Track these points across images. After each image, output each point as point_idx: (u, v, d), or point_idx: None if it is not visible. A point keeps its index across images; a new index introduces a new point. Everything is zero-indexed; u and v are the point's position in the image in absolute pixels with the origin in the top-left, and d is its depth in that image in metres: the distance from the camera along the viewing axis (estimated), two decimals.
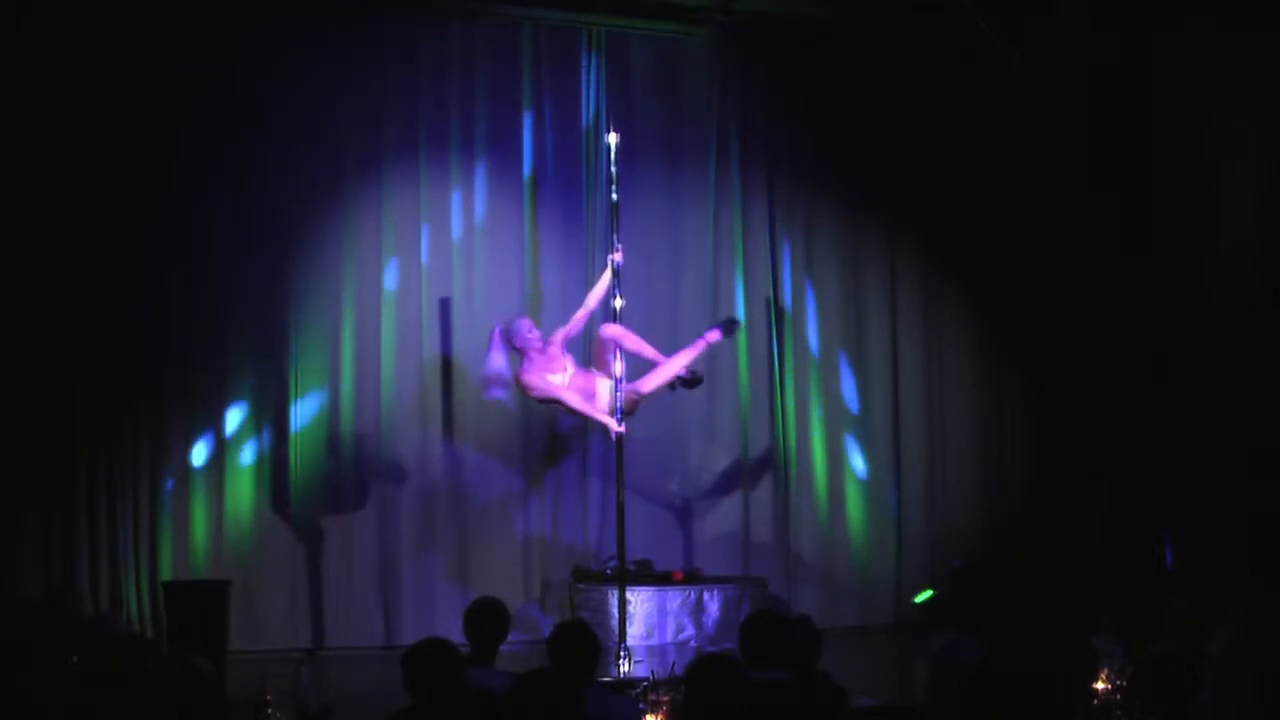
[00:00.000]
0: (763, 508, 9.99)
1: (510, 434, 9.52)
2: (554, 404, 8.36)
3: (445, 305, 9.41)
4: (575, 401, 8.20)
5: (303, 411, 9.06)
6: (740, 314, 10.05)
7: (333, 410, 9.13)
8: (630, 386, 8.25)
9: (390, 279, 9.31)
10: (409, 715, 4.11)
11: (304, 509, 9.01)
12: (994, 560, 9.93)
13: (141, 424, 8.72)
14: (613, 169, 8.26)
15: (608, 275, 8.22)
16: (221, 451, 8.88)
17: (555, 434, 9.64)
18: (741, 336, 10.02)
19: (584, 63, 9.79)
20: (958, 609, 9.58)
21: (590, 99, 9.78)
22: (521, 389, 8.27)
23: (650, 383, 8.40)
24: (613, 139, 8.28)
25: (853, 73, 10.28)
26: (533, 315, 9.52)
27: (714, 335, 8.60)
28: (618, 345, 8.19)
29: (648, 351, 8.30)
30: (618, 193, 8.26)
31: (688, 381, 8.54)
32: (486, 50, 9.60)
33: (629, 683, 6.62)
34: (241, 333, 8.97)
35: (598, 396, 8.24)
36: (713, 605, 8.90)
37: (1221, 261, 9.58)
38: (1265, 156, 9.32)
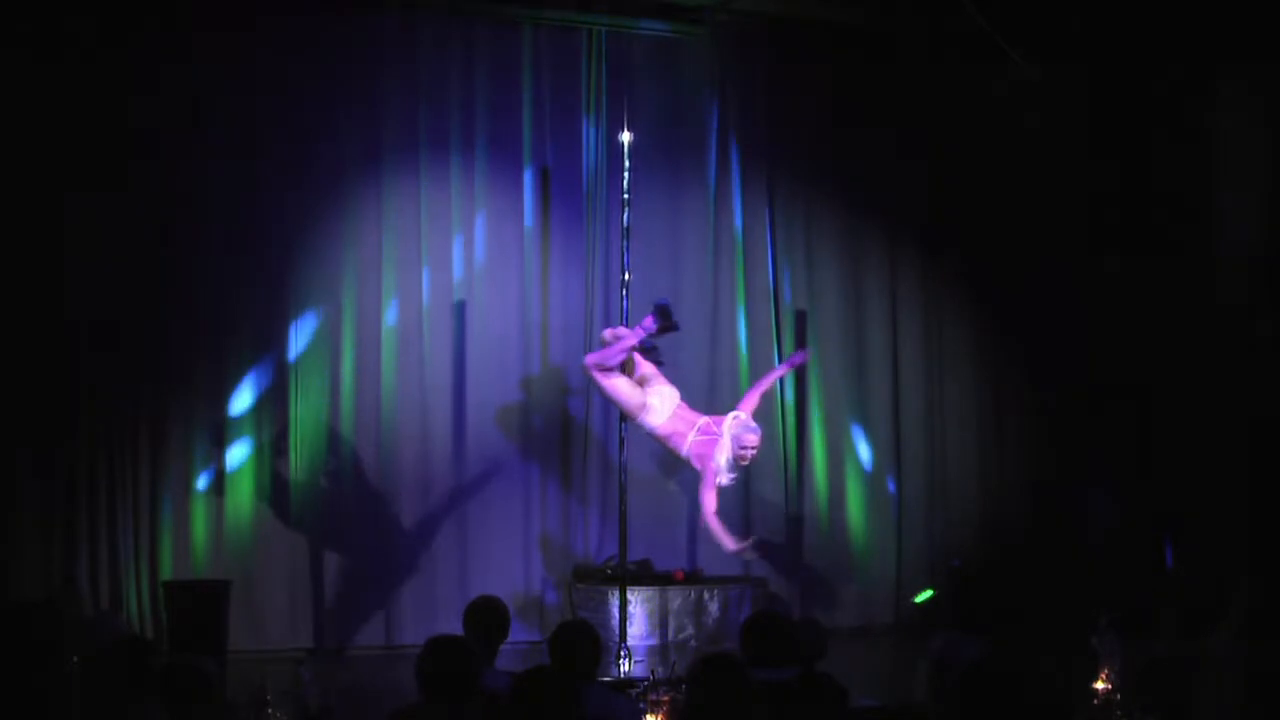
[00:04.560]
0: (763, 507, 9.99)
1: (511, 433, 9.53)
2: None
3: (448, 308, 9.40)
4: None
5: (303, 411, 9.05)
6: (740, 313, 10.05)
7: (333, 410, 9.12)
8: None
9: (390, 278, 9.30)
10: (410, 714, 4.11)
11: (304, 509, 9.01)
12: (994, 560, 9.93)
13: (142, 423, 8.71)
14: (626, 168, 8.23)
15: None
16: (222, 451, 8.87)
17: (559, 433, 9.65)
18: (743, 337, 10.03)
19: (584, 62, 9.79)
20: (958, 609, 9.61)
21: (590, 99, 9.78)
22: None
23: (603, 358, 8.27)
24: (626, 138, 8.25)
25: (853, 72, 10.27)
26: (540, 317, 9.56)
27: (649, 323, 8.45)
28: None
29: (626, 337, 8.29)
30: (628, 194, 8.23)
31: (660, 331, 8.37)
32: (486, 50, 9.59)
33: (629, 683, 6.62)
34: (242, 332, 8.96)
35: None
36: (713, 605, 8.90)
37: (1222, 262, 9.59)
38: (1266, 157, 9.32)
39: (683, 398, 8.49)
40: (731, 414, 8.28)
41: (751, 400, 8.45)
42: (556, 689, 3.65)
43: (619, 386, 8.28)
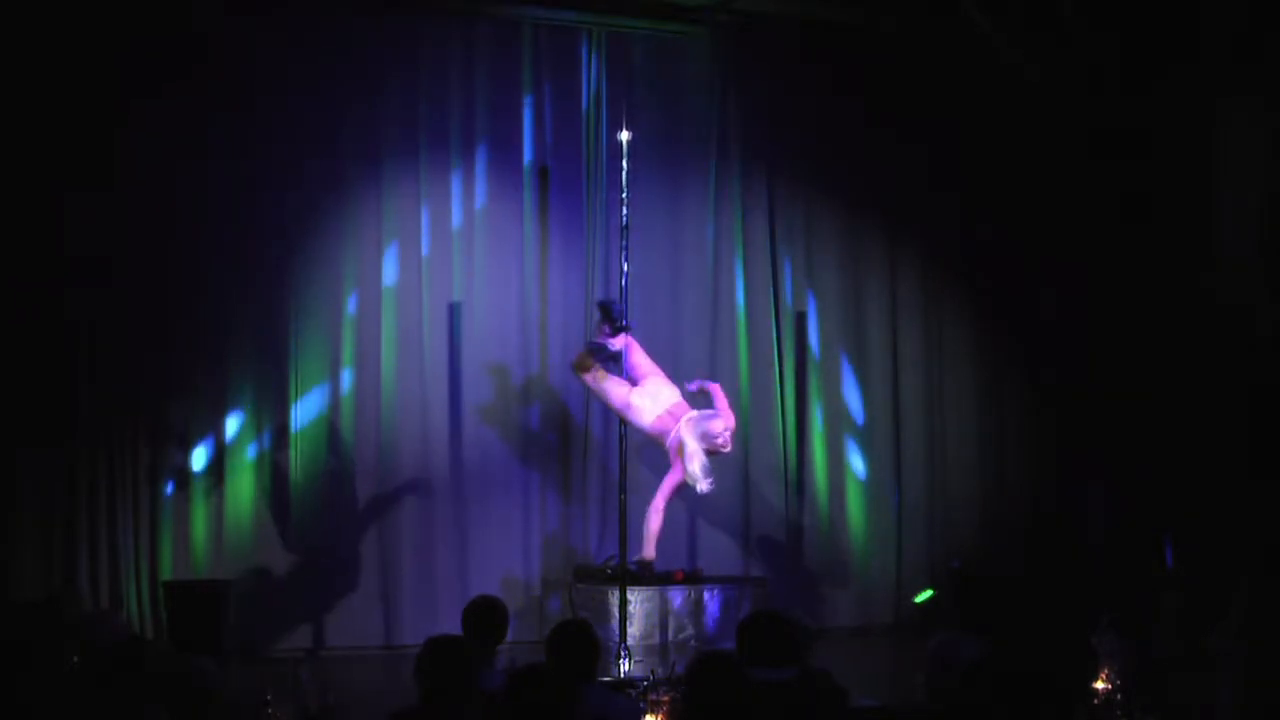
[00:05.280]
0: (763, 507, 9.99)
1: (511, 433, 9.53)
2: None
3: (448, 308, 9.40)
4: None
5: (303, 411, 9.05)
6: (740, 313, 10.05)
7: (333, 410, 9.12)
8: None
9: (390, 279, 9.30)
10: (410, 715, 4.11)
11: (304, 509, 9.01)
12: (994, 560, 9.93)
13: (142, 424, 8.72)
14: (624, 167, 8.21)
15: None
16: (222, 451, 8.86)
17: (559, 433, 9.66)
18: (742, 337, 10.03)
19: (584, 62, 9.79)
20: (958, 609, 9.63)
21: (590, 99, 9.78)
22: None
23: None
24: (625, 137, 8.23)
25: (853, 72, 10.27)
26: (539, 317, 9.57)
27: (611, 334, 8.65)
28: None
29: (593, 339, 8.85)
30: (626, 192, 8.22)
31: (613, 331, 8.56)
32: (486, 50, 9.59)
33: (629, 683, 6.62)
34: (242, 332, 8.96)
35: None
36: (713, 605, 8.90)
37: (1222, 260, 9.58)
38: (1266, 157, 9.32)
39: (684, 396, 8.54)
40: (685, 417, 8.37)
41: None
42: (553, 688, 3.64)
43: (604, 387, 8.53)
